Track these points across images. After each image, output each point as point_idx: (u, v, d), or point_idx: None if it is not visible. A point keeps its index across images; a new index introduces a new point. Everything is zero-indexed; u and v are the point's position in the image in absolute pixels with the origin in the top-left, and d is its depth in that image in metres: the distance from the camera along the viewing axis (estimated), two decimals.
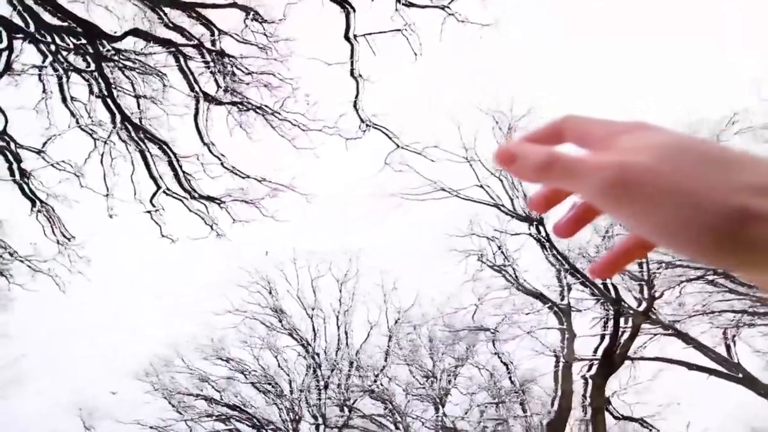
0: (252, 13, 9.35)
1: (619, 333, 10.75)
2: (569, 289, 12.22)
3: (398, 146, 8.81)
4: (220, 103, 9.54)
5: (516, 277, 12.35)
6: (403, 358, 14.59)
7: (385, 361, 14.76)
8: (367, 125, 8.55)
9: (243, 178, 10.24)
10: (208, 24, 9.29)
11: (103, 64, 8.75)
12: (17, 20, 7.63)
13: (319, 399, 14.93)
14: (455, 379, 14.73)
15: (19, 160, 9.46)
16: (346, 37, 7.69)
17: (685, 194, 0.29)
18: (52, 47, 8.36)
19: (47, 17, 7.94)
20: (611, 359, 10.79)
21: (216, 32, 9.28)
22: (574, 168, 0.31)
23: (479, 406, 13.99)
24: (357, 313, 15.10)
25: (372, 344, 14.93)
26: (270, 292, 14.57)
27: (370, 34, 7.68)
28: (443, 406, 14.39)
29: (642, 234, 0.32)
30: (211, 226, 11.16)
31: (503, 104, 11.39)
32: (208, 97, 9.38)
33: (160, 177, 10.43)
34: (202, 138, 9.86)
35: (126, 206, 10.31)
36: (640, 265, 10.86)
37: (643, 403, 11.62)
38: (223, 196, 10.69)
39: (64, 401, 12.82)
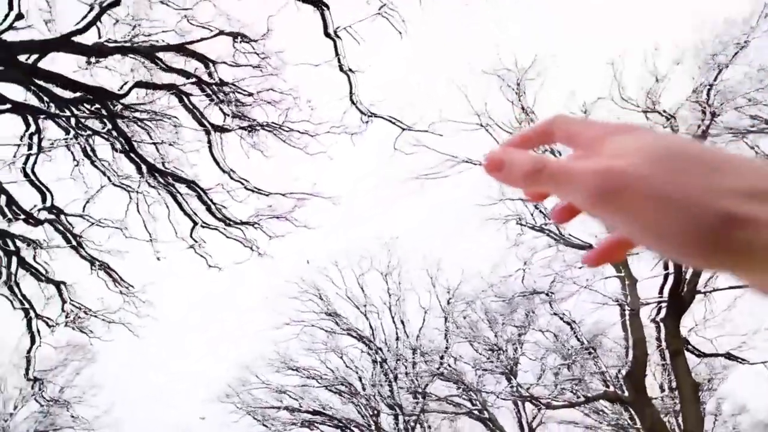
0: (239, 36, 9.55)
1: (683, 269, 10.05)
2: None
3: (403, 129, 8.69)
4: (229, 130, 9.86)
5: (560, 233, 11.88)
6: (464, 336, 14.51)
7: (446, 341, 14.75)
8: (368, 116, 8.51)
9: (267, 195, 10.54)
10: (201, 58, 9.60)
11: (117, 121, 9.30)
12: (34, 101, 8.25)
13: (391, 390, 15.22)
14: (521, 346, 14.48)
15: (70, 228, 10.30)
16: (327, 35, 7.66)
17: (670, 200, 0.29)
18: (72, 120, 8.98)
19: (59, 91, 8.54)
20: (679, 297, 10.12)
21: (210, 64, 9.57)
22: (561, 175, 0.32)
23: (551, 369, 13.67)
24: (408, 301, 15.19)
25: (430, 328, 14.98)
26: (320, 298, 14.98)
27: (349, 26, 7.60)
28: (515, 376, 14.19)
29: (630, 237, 0.32)
30: (251, 248, 11.61)
31: (506, 61, 10.92)
32: (217, 128, 9.71)
33: (194, 212, 10.97)
34: (221, 167, 10.25)
35: (170, 246, 10.95)
36: None
37: (725, 335, 10.86)
38: (254, 216, 11.07)
39: None
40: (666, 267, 10.64)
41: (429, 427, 14.99)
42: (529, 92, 11.08)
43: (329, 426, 16.04)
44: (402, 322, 15.24)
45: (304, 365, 15.47)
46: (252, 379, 15.33)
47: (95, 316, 11.80)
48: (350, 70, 8.09)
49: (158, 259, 10.60)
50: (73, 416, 12.81)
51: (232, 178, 10.28)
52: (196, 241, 11.21)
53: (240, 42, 9.61)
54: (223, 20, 8.64)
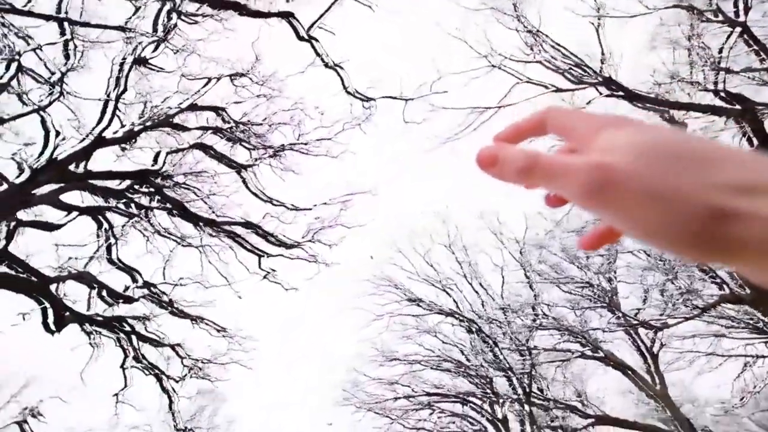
0: (236, 75, 10.03)
1: None
2: None
3: (406, 101, 8.53)
4: (256, 164, 10.41)
5: None
6: (550, 281, 13.95)
7: (533, 291, 14.30)
8: (367, 100, 8.48)
9: (312, 209, 10.99)
10: (211, 108, 10.24)
11: (164, 191, 10.24)
12: (94, 199, 9.37)
13: (495, 355, 15.11)
14: (615, 274, 13.59)
15: (162, 295, 11.55)
16: (301, 38, 7.75)
17: (660, 196, 0.29)
18: (131, 204, 10.06)
19: (111, 183, 9.61)
20: None
21: (220, 111, 10.17)
22: (553, 171, 0.32)
23: (655, 287, 12.68)
24: (481, 263, 14.93)
25: (512, 284, 14.60)
26: (396, 287, 15.27)
27: (315, 22, 7.62)
28: (618, 307, 13.39)
29: (624, 231, 0.33)
30: (316, 261, 12.18)
31: None
32: (245, 166, 10.30)
33: (256, 247, 11.76)
34: (262, 198, 10.87)
35: (247, 282, 11.86)
36: None
37: None
38: (308, 232, 11.60)
39: None
40: None
41: (544, 378, 14.67)
42: (530, 13, 10.26)
43: (449, 402, 16.38)
44: (482, 286, 15.06)
45: (404, 353, 15.94)
46: (361, 378, 16.14)
47: (211, 362, 13.13)
48: (337, 65, 8.14)
49: (239, 297, 11.52)
50: None
51: (274, 204, 10.86)
52: (267, 272, 12.01)
53: (238, 78, 10.09)
54: (213, 66, 9.12)
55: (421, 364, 16.20)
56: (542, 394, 14.54)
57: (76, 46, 8.33)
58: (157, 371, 12.36)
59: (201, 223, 11.03)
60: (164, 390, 12.63)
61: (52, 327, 9.34)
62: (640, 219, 0.30)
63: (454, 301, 15.55)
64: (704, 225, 0.28)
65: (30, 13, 7.45)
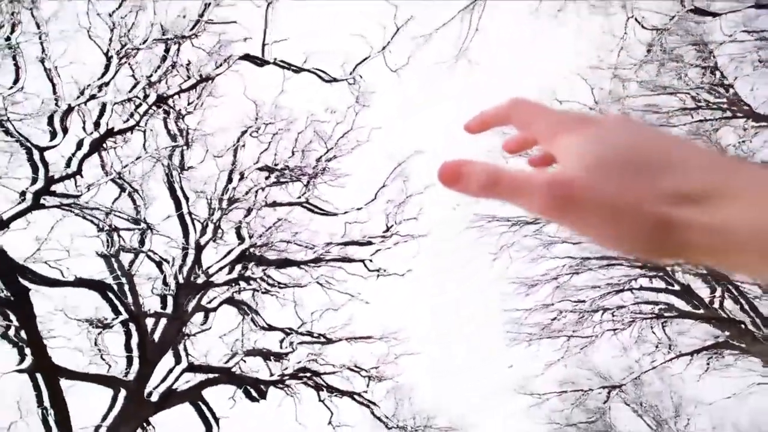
0: (254, 130, 11.06)
1: None
2: None
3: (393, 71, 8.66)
4: (311, 189, 11.29)
5: None
6: None
7: None
8: (351, 76, 8.73)
9: (376, 197, 11.56)
10: (267, 169, 11.30)
11: (266, 257, 11.69)
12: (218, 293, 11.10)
13: None
14: None
15: (315, 333, 13.06)
16: (262, 62, 8.27)
17: (613, 208, 0.31)
18: (255, 282, 11.70)
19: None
20: None
21: (271, 169, 11.21)
22: (516, 187, 0.34)
23: None
24: None
25: None
26: (497, 219, 14.99)
27: (268, 45, 8.08)
28: None
29: (589, 241, 0.34)
30: (413, 237, 12.61)
31: None
32: (305, 201, 11.22)
33: (356, 259, 12.66)
34: (334, 214, 11.73)
35: (364, 288, 12.73)
36: None
37: None
38: (387, 217, 12.15)
39: None
40: None
41: None
42: None
43: (615, 294, 15.55)
44: None
45: (541, 272, 15.53)
46: (517, 314, 16.18)
47: (381, 365, 14.26)
48: (320, 69, 8.62)
49: (367, 303, 12.52)
50: None
51: (344, 213, 11.66)
52: (377, 270, 12.82)
53: (256, 131, 11.07)
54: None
55: (565, 276, 15.64)
56: None
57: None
58: (351, 394, 13.85)
59: (309, 264, 12.24)
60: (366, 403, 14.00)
61: (255, 395, 11.31)
62: (597, 229, 0.32)
63: None
64: (652, 234, 0.30)
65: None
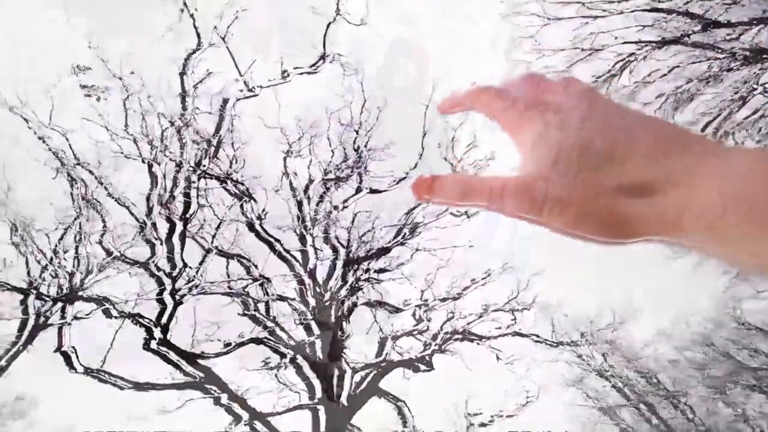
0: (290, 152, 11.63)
1: None
2: None
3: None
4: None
5: None
6: None
7: None
8: (324, 57, 8.87)
9: (409, 174, 11.62)
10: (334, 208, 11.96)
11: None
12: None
13: None
14: None
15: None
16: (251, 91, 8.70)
17: (572, 204, 0.34)
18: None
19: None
20: None
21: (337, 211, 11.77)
22: (487, 196, 0.36)
23: None
24: None
25: None
26: None
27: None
28: None
29: (561, 234, 0.36)
30: (466, 214, 12.25)
31: None
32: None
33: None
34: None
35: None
36: None
37: None
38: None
39: None
40: None
41: None
42: None
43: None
44: None
45: None
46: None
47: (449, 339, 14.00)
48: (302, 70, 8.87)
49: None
50: None
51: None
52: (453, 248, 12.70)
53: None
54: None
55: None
56: None
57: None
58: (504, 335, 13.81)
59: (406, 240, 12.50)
60: None
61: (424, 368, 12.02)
62: (564, 225, 0.34)
63: None
64: (610, 225, 0.33)
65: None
